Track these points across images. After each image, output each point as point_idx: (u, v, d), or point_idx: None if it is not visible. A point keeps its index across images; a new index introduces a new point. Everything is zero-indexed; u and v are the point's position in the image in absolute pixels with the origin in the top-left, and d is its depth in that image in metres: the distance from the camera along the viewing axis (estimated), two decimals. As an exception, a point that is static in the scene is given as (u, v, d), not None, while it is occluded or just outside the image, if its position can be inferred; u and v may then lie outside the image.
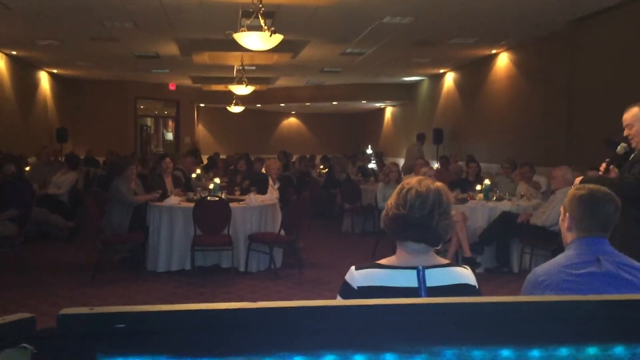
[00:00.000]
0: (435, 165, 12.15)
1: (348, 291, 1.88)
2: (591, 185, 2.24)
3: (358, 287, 1.86)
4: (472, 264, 6.87)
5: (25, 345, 0.63)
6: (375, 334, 0.72)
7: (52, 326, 0.68)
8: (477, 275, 1.97)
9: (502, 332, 0.76)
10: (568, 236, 2.22)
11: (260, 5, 6.43)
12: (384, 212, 2.00)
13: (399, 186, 1.99)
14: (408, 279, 1.85)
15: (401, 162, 16.46)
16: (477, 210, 7.21)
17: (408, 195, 1.89)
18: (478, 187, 7.85)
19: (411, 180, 1.96)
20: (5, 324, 0.66)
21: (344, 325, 0.70)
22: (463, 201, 7.40)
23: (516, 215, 6.95)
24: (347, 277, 1.92)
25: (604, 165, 3.74)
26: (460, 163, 12.31)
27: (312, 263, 7.38)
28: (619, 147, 3.63)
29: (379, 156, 18.96)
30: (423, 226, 1.87)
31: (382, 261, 1.95)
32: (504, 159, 10.56)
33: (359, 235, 9.80)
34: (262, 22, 6.64)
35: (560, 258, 2.16)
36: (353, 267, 1.93)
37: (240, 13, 8.98)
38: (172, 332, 0.65)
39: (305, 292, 6.03)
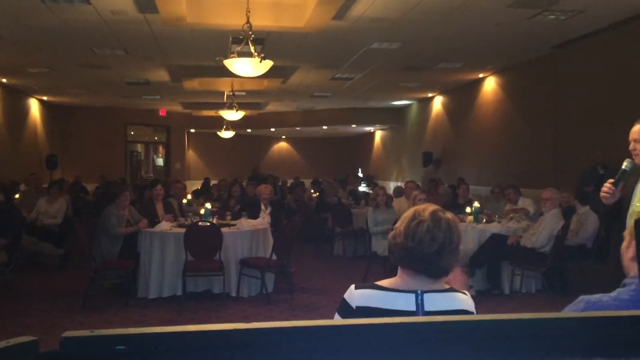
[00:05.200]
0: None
1: (346, 309, 1.89)
2: None
3: (357, 306, 1.87)
4: (464, 287, 6.89)
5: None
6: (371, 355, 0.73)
7: (55, 349, 0.71)
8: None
9: (499, 350, 0.77)
10: (631, 268, 1.82)
11: (250, 32, 6.51)
12: (391, 234, 1.94)
13: (411, 213, 1.90)
14: (406, 302, 1.85)
15: (392, 185, 16.56)
16: (468, 232, 7.23)
17: (419, 229, 1.83)
18: (468, 210, 7.91)
19: (424, 212, 1.87)
20: (9, 347, 0.68)
21: (341, 345, 0.72)
22: (453, 224, 7.44)
23: (506, 237, 7.00)
24: (346, 296, 1.92)
25: (608, 184, 3.30)
26: (447, 186, 12.39)
27: (304, 288, 7.37)
28: (624, 163, 3.27)
29: (369, 180, 19.04)
30: (429, 261, 1.84)
31: (383, 282, 1.93)
32: (492, 182, 10.67)
33: (351, 259, 9.81)
34: (252, 48, 6.72)
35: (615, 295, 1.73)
36: (353, 286, 1.93)
37: (231, 40, 9.08)
38: (170, 354, 0.67)
39: (297, 317, 6.01)
